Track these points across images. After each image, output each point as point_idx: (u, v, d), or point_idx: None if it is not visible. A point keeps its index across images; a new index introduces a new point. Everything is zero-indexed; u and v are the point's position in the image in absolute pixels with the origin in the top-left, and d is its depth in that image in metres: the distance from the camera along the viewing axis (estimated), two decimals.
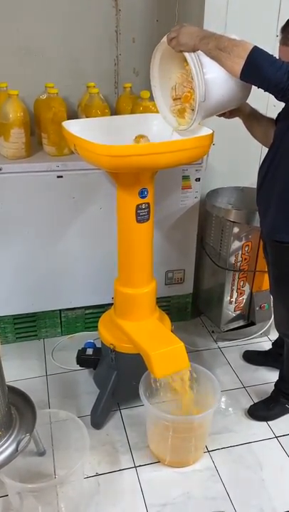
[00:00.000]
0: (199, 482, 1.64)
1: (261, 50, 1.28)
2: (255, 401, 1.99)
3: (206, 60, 1.35)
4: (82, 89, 2.18)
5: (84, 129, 1.55)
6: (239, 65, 1.27)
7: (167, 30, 1.46)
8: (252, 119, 1.67)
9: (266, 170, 1.56)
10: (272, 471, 1.68)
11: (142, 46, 2.27)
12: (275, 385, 1.94)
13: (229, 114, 1.62)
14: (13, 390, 1.55)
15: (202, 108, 1.39)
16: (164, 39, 1.42)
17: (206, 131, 1.51)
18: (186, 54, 1.36)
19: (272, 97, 2.23)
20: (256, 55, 1.26)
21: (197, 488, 1.61)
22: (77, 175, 1.99)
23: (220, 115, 1.65)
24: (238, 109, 1.61)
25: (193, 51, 1.36)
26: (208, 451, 1.75)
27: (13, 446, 1.39)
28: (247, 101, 1.58)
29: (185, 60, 1.48)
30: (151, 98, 1.98)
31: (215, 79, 1.36)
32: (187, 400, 1.64)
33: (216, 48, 1.30)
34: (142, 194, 1.56)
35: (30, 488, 1.42)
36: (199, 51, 1.36)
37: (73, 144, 1.51)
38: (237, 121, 1.69)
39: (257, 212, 2.02)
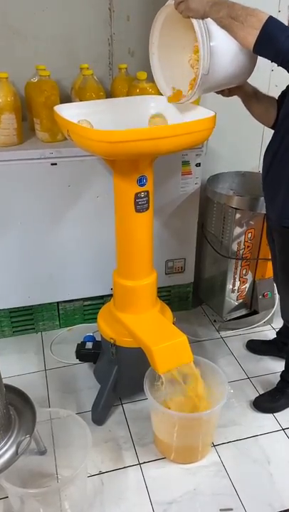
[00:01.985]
0: (206, 478, 1.59)
1: (277, 20, 1.20)
2: (260, 392, 1.94)
3: (215, 29, 1.25)
4: (75, 71, 2.07)
5: (77, 114, 1.47)
6: (253, 36, 1.19)
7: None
8: (252, 97, 1.59)
9: (273, 155, 1.48)
10: (280, 465, 1.64)
11: (137, 25, 2.16)
12: (281, 375, 1.89)
13: (228, 92, 1.53)
14: (11, 390, 1.49)
15: (204, 82, 1.30)
16: (170, 2, 1.32)
17: (207, 113, 1.42)
18: (194, 21, 1.26)
19: (274, 75, 2.16)
20: (272, 26, 1.18)
21: (204, 484, 1.57)
22: (72, 162, 1.90)
23: (218, 92, 1.57)
24: (238, 87, 1.53)
25: (202, 18, 1.26)
26: (214, 446, 1.70)
27: (13, 449, 1.33)
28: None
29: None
30: (148, 79, 1.90)
31: (221, 51, 1.27)
32: (199, 393, 1.59)
33: (229, 16, 1.21)
34: (141, 182, 1.48)
35: (33, 493, 1.38)
36: (208, 19, 1.26)
37: (66, 130, 1.42)
38: (238, 102, 1.61)
39: (260, 198, 1.97)
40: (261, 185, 1.60)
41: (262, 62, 1.51)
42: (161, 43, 1.46)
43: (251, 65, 1.38)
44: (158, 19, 1.40)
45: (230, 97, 1.58)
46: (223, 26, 1.25)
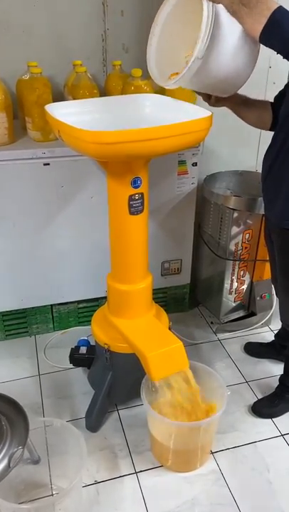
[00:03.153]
0: (204, 487, 1.55)
1: (287, 11, 1.16)
2: (259, 396, 1.91)
3: (223, 20, 1.22)
4: (68, 68, 2.02)
5: (70, 113, 1.41)
6: (261, 23, 1.15)
7: (158, 1, 1.31)
8: (242, 107, 1.57)
9: (273, 158, 1.44)
10: (280, 473, 1.60)
11: (131, 20, 2.10)
12: (280, 380, 1.85)
13: (215, 101, 1.50)
14: (2, 398, 1.45)
15: (194, 66, 1.24)
16: None
17: (204, 112, 1.37)
18: (204, 1, 1.21)
19: (272, 72, 2.11)
20: (280, 15, 1.14)
21: (202, 493, 1.53)
22: (65, 162, 1.85)
23: (204, 99, 1.52)
24: (226, 98, 1.50)
25: (214, 1, 1.22)
26: (212, 453, 1.67)
27: (5, 462, 1.28)
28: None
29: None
30: (143, 76, 1.85)
31: (220, 46, 1.23)
32: (195, 402, 1.55)
33: (240, 1, 1.17)
34: (135, 184, 1.43)
35: (26, 508, 1.33)
36: (220, 5, 1.22)
37: (57, 130, 1.37)
38: None
39: (258, 199, 1.93)
40: (260, 186, 1.55)
41: (260, 59, 1.47)
42: (162, 30, 1.40)
43: (244, 76, 1.36)
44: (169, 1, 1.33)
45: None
46: (233, 12, 1.20)
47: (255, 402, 1.85)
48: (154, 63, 1.45)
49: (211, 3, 1.22)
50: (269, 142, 1.51)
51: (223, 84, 1.39)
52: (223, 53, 1.26)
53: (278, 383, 1.85)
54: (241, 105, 1.56)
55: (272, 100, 1.60)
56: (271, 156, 1.46)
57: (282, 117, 1.42)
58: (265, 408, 1.82)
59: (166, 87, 1.39)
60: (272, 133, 1.51)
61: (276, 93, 1.63)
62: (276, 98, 1.58)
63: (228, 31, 1.24)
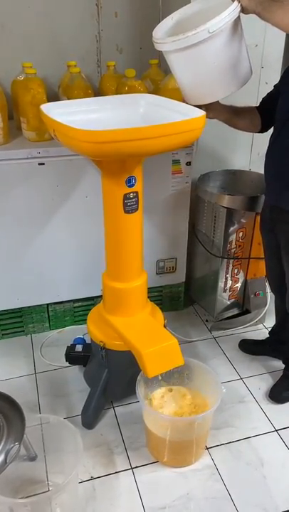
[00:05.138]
0: (199, 482, 1.57)
1: None
2: (253, 393, 1.92)
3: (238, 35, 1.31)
4: (62, 68, 2.03)
5: (65, 113, 1.43)
6: None
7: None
8: (233, 117, 1.65)
9: (286, 148, 1.49)
10: (274, 467, 1.62)
11: (125, 21, 2.12)
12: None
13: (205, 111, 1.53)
14: None
15: (200, 36, 1.26)
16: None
17: (197, 112, 1.39)
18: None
19: (264, 72, 2.14)
20: None
21: (197, 488, 1.55)
22: (60, 161, 1.86)
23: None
24: (218, 111, 1.60)
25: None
26: (207, 449, 1.68)
27: (2, 458, 1.30)
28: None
29: None
30: (137, 77, 1.87)
31: (227, 45, 1.30)
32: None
33: None
34: (130, 182, 1.45)
35: (23, 503, 1.34)
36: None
37: (52, 130, 1.39)
38: (229, 100, 1.59)
39: (252, 197, 1.97)
40: (268, 177, 1.60)
41: (253, 58, 1.50)
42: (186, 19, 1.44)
43: (232, 83, 1.45)
44: None
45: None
46: (262, 9, 1.24)
47: (271, 389, 1.88)
48: (162, 30, 1.47)
49: (239, 7, 1.27)
50: (264, 141, 1.55)
51: (207, 77, 1.44)
52: (223, 50, 1.33)
53: (284, 366, 1.91)
54: (233, 115, 1.63)
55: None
56: (282, 149, 1.50)
57: (284, 111, 1.47)
58: (283, 393, 1.86)
59: (162, 46, 1.39)
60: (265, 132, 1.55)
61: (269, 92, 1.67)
62: (265, 100, 1.63)
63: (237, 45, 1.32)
